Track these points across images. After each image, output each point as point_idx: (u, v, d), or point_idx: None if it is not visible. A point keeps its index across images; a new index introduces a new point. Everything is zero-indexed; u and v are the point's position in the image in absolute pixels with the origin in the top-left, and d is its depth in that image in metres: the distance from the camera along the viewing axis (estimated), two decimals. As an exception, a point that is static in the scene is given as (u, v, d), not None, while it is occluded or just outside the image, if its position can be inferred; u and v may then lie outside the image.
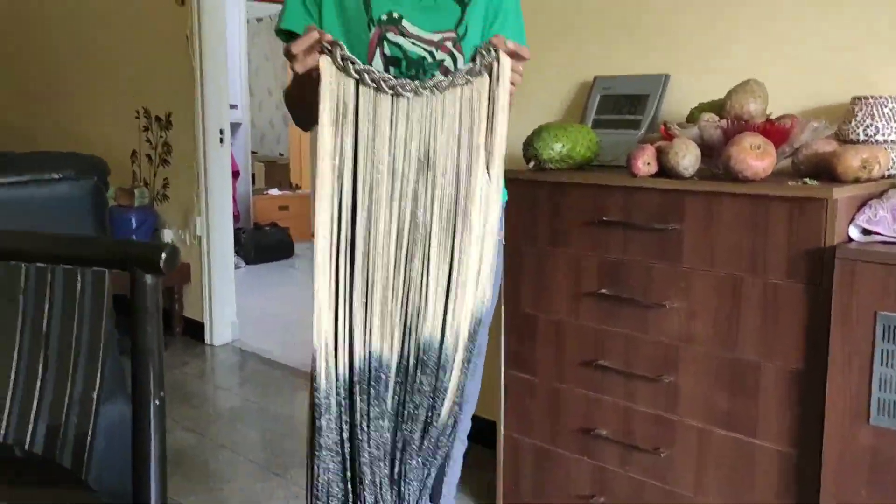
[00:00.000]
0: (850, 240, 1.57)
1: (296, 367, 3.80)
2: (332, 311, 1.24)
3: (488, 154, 1.27)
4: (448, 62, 1.58)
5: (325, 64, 1.18)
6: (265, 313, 4.81)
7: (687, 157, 1.73)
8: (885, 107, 1.73)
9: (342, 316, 1.25)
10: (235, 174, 6.72)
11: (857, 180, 1.63)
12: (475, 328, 1.31)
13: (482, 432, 2.07)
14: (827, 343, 1.54)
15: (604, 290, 1.88)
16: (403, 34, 1.54)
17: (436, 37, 1.57)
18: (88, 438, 1.08)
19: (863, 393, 1.50)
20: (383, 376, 1.28)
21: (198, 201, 4.11)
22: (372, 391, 1.28)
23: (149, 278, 0.98)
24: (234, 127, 6.89)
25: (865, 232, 1.57)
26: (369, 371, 1.27)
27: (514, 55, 1.27)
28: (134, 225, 4.22)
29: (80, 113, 4.93)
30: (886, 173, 1.70)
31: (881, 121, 1.72)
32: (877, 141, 1.73)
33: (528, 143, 1.98)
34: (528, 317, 2.04)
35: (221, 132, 4.07)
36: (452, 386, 1.31)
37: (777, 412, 1.64)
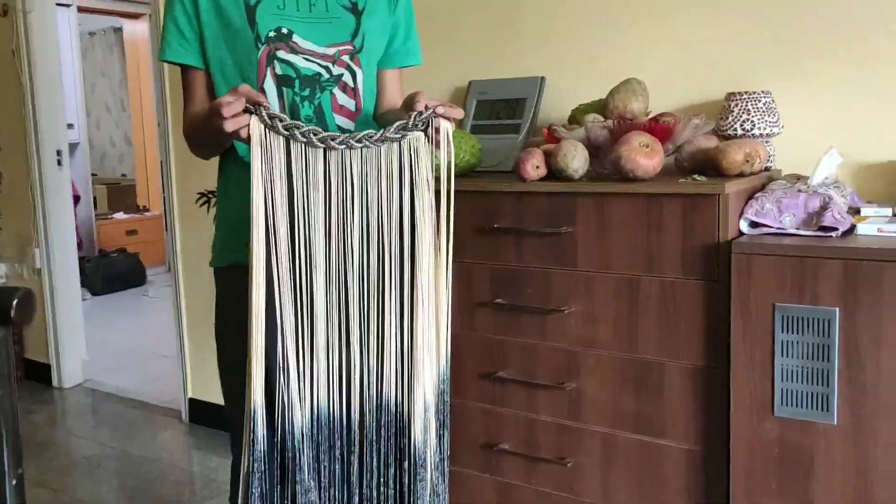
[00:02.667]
0: (741, 233, 1.58)
1: (156, 403, 3.52)
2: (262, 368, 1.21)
3: (437, 217, 1.29)
4: (347, 77, 1.47)
5: (255, 124, 1.18)
6: (118, 348, 4.44)
7: (576, 159, 1.69)
8: (760, 101, 1.76)
9: (284, 372, 1.22)
10: (76, 199, 6.21)
11: (741, 174, 1.64)
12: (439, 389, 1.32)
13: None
14: (728, 338, 1.54)
15: (499, 300, 1.81)
16: (295, 51, 1.42)
17: (331, 51, 1.45)
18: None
19: (766, 385, 1.50)
20: (335, 435, 1.25)
21: (35, 231, 3.73)
22: (321, 454, 1.24)
23: (-3, 329, 0.80)
24: (72, 147, 6.37)
25: (753, 225, 1.59)
26: (315, 428, 1.24)
27: (447, 117, 1.28)
28: (-40, 261, 3.77)
29: None
30: (765, 166, 1.73)
31: (756, 115, 1.76)
32: (753, 135, 1.76)
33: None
34: (458, 336, 1.94)
35: (59, 153, 3.71)
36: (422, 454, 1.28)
37: (682, 411, 1.63)
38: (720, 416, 1.57)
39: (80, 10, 6.22)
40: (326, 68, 1.45)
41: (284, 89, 1.41)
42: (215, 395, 3.16)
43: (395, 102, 1.57)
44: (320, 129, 1.22)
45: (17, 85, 3.60)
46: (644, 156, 1.60)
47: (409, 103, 1.32)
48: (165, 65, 3.07)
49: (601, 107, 1.87)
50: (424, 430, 1.29)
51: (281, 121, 1.19)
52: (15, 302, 0.78)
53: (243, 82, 1.38)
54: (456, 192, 1.84)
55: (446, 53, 2.38)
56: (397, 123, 1.26)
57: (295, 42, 1.42)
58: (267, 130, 1.18)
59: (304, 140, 1.21)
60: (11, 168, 3.77)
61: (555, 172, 1.72)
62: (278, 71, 1.41)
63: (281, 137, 1.20)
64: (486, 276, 1.84)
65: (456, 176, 1.90)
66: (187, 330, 3.25)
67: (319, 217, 1.23)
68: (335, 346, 1.25)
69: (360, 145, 1.25)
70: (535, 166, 1.74)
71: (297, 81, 1.41)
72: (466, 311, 1.87)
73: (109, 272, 6.00)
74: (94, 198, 6.84)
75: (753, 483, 1.54)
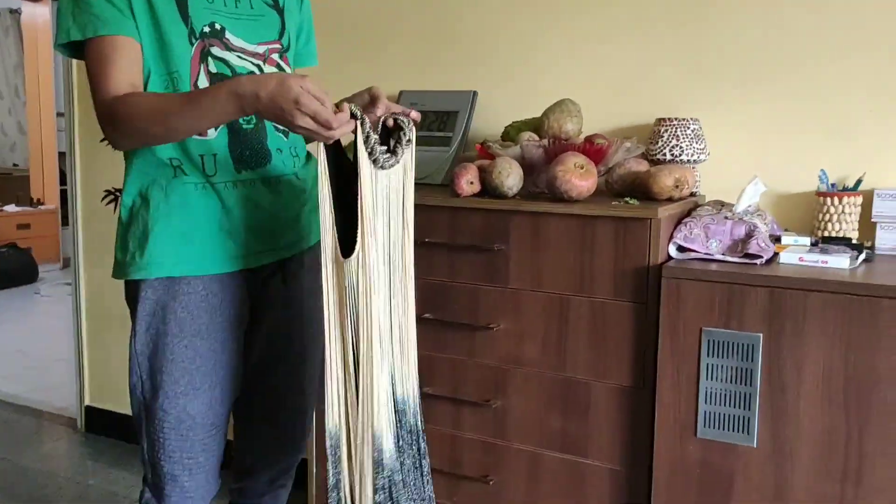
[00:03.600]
0: (669, 257, 1.61)
1: (49, 411, 3.31)
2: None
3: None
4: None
5: (360, 132, 1.18)
6: (7, 350, 4.17)
7: (511, 177, 1.68)
8: (688, 128, 1.80)
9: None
10: (-38, 189, 5.83)
11: (670, 199, 1.68)
12: None
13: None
14: (655, 359, 1.56)
15: (427, 315, 1.79)
16: (229, 48, 1.35)
17: (261, 48, 1.39)
18: None
19: (690, 407, 1.53)
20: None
21: (-82, 223, 3.45)
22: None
23: None
24: (-41, 134, 5.98)
25: (681, 249, 1.62)
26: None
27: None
28: None
29: None
30: (691, 192, 1.77)
31: (685, 141, 1.80)
32: (682, 161, 1.80)
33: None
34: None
35: (-51, 141, 3.45)
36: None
37: (608, 431, 1.64)
38: (644, 436, 1.60)
39: (-26, -12, 5.86)
40: (258, 66, 1.39)
41: None
42: (114, 403, 3.00)
43: None
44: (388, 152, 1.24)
45: None
46: (579, 177, 1.61)
47: (372, 100, 1.31)
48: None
49: (535, 125, 1.88)
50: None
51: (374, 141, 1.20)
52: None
53: (170, 77, 1.30)
54: (387, 204, 1.82)
55: (378, 62, 2.34)
56: (404, 144, 1.26)
57: (228, 39, 1.35)
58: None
59: (379, 164, 1.21)
60: None
61: (489, 189, 1.71)
62: (212, 69, 1.33)
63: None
64: (416, 289, 1.80)
65: (386, 187, 1.88)
66: (86, 333, 3.07)
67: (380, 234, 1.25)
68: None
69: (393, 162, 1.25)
70: (469, 181, 1.72)
71: None
72: (394, 325, 1.83)
73: (-3, 268, 5.66)
74: (-17, 188, 6.44)
75: (674, 503, 1.56)
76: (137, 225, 1.35)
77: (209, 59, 1.33)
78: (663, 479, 1.57)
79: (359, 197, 1.18)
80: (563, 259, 1.65)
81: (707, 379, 1.51)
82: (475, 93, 2.13)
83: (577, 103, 1.85)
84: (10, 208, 6.41)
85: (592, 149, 1.71)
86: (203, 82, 1.32)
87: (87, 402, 3.10)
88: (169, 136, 1.25)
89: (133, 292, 1.38)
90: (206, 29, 1.33)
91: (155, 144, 1.30)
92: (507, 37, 2.14)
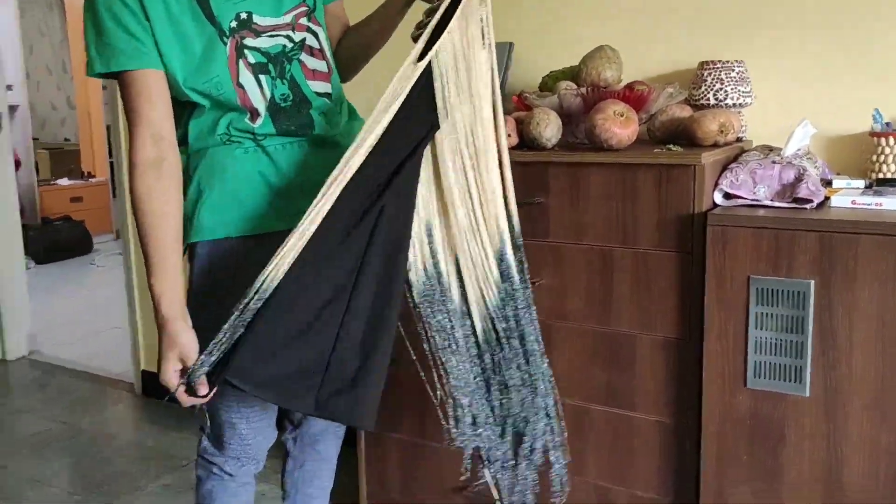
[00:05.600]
0: (715, 205, 1.56)
1: (107, 376, 3.41)
2: None
3: None
4: (310, 39, 1.39)
5: None
6: (65, 319, 4.29)
7: (549, 128, 1.65)
8: (733, 71, 1.74)
9: None
10: (16, 164, 5.97)
11: (715, 145, 1.62)
12: None
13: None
14: (701, 310, 1.52)
15: (468, 272, 1.77)
16: (258, 32, 1.33)
17: (287, 18, 1.37)
18: None
19: (739, 357, 1.49)
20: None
21: (-26, 198, 3.55)
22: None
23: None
24: (11, 110, 6.10)
25: (727, 196, 1.57)
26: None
27: None
28: None
29: None
30: (737, 137, 1.71)
31: (729, 85, 1.73)
32: (726, 105, 1.74)
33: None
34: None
35: (-1, 116, 3.53)
36: None
37: (655, 383, 1.62)
38: (692, 388, 1.57)
39: (18, -35, 5.93)
40: (288, 37, 1.37)
41: (261, 77, 1.33)
42: (169, 368, 3.07)
43: (349, 25, 1.55)
44: None
45: (-48, 43, 3.40)
46: (619, 125, 1.57)
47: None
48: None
49: (573, 74, 1.83)
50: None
51: None
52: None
53: (208, 85, 1.29)
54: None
55: (410, 19, 2.29)
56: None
57: (256, 24, 1.33)
58: None
59: None
60: (-53, 131, 3.58)
61: (527, 141, 1.68)
62: (251, 60, 1.32)
63: None
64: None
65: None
66: (139, 300, 3.14)
67: None
68: None
69: None
70: (506, 134, 1.69)
71: (269, 65, 1.33)
72: (435, 282, 1.82)
73: (53, 240, 5.81)
74: (36, 163, 6.58)
75: (724, 455, 1.54)
76: (191, 191, 1.38)
77: (245, 51, 1.32)
78: (713, 431, 1.54)
79: None
80: (604, 210, 1.61)
81: (756, 328, 1.47)
82: (511, 44, 2.08)
83: (615, 49, 1.80)
84: (63, 182, 6.55)
85: (633, 95, 1.66)
86: (246, 76, 1.31)
87: (143, 366, 3.18)
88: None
89: (190, 253, 1.40)
90: (234, 24, 1.31)
91: None
92: (542, -15, 2.09)
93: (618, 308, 1.64)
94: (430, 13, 1.31)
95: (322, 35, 1.43)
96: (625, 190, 1.59)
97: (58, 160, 6.82)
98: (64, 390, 3.32)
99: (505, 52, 2.08)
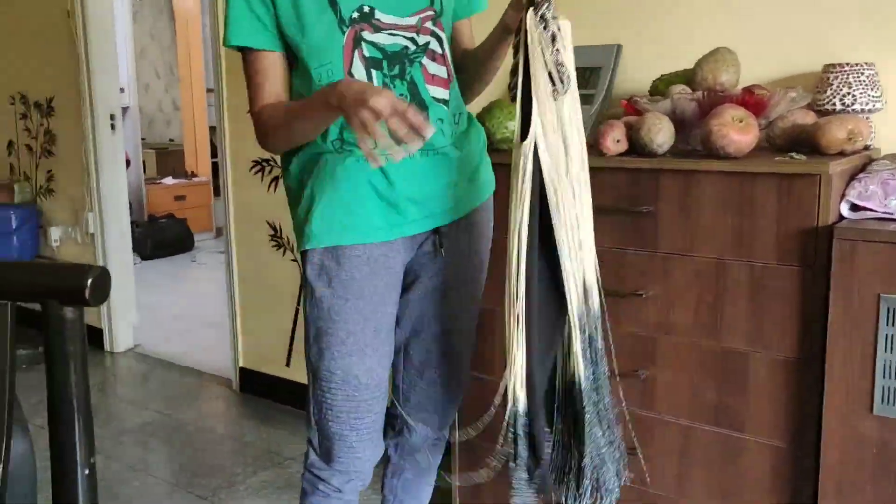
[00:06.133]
0: (842, 217, 1.47)
1: (208, 371, 3.51)
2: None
3: None
4: (433, 44, 1.38)
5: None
6: (168, 314, 4.45)
7: (661, 134, 1.58)
8: (862, 74, 1.63)
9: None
10: (126, 163, 6.24)
11: (841, 153, 1.52)
12: None
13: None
14: (824, 329, 1.43)
15: (571, 281, 1.72)
16: (379, 28, 1.33)
17: (412, 20, 1.36)
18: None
19: (865, 381, 1.39)
20: None
21: (88, 195, 3.72)
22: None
23: (69, 312, 0.74)
24: (122, 111, 6.39)
25: (854, 208, 1.47)
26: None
27: None
28: (14, 224, 3.79)
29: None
30: (865, 145, 1.61)
31: (858, 89, 1.62)
32: (854, 110, 1.63)
33: (480, 122, 1.79)
34: (486, 311, 1.86)
35: (112, 118, 3.69)
36: None
37: (768, 404, 1.53)
38: (811, 412, 1.47)
39: (132, -28, 6.20)
40: (412, 39, 1.36)
41: (373, 71, 1.32)
42: (266, 366, 3.14)
43: (472, 47, 1.51)
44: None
45: (72, 47, 3.57)
46: (737, 131, 1.49)
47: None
48: (220, 29, 3.00)
49: (687, 78, 1.75)
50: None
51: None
52: (90, 281, 0.71)
53: (321, 69, 1.31)
54: (529, 166, 1.76)
55: (514, 19, 2.26)
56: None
57: (377, 19, 1.33)
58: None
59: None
60: (65, 132, 3.76)
61: (637, 147, 1.62)
62: (366, 54, 1.32)
63: None
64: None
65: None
66: (239, 298, 3.22)
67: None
68: None
69: None
70: (615, 140, 1.64)
71: (384, 62, 1.33)
72: (536, 291, 1.78)
73: (158, 237, 6.04)
74: (144, 162, 6.87)
75: (845, 485, 1.44)
76: (304, 198, 1.40)
77: (362, 43, 1.31)
78: (834, 459, 1.44)
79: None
80: (718, 220, 1.54)
81: (886, 351, 1.37)
82: (619, 46, 2.02)
83: (733, 52, 1.71)
84: (168, 181, 6.81)
85: (752, 100, 1.57)
86: (358, 68, 1.32)
87: (241, 363, 3.26)
88: (297, 141, 1.35)
89: (303, 261, 1.42)
90: (355, 14, 1.31)
91: (293, 147, 1.38)
92: (653, -15, 2.01)
93: (730, 323, 1.55)
94: (515, 51, 1.26)
95: (446, 41, 1.41)
96: (742, 200, 1.51)
97: (163, 160, 7.10)
98: (165, 383, 3.43)
99: (612, 54, 2.02)
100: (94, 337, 3.85)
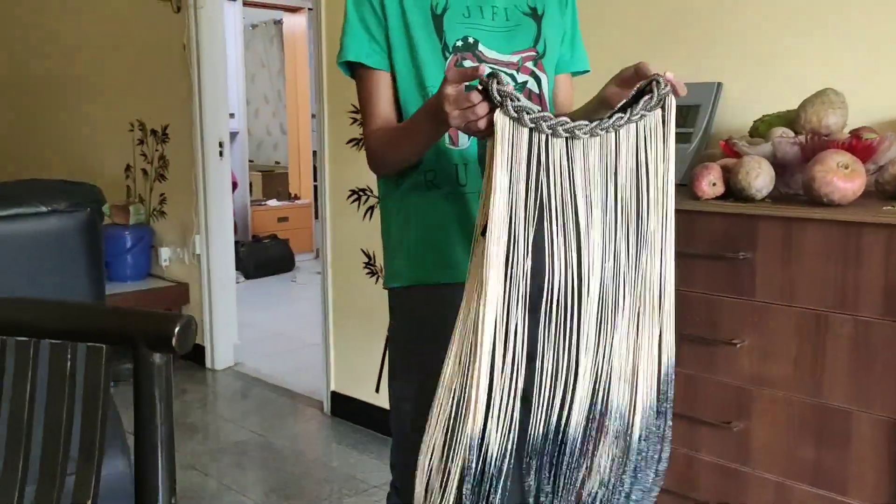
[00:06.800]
0: (957, 271, 1.37)
1: (302, 392, 3.59)
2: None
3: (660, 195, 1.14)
4: (531, 84, 1.40)
5: (499, 117, 1.04)
6: (268, 332, 4.59)
7: (760, 178, 1.53)
8: (984, 118, 1.53)
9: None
10: (233, 185, 6.50)
11: (959, 202, 1.43)
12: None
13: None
14: (935, 391, 1.34)
15: (662, 326, 1.68)
16: (480, 59, 1.35)
17: (514, 58, 1.39)
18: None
19: (982, 451, 1.29)
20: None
21: (196, 218, 3.90)
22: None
23: (157, 357, 0.77)
24: (231, 136, 6.67)
25: (972, 262, 1.37)
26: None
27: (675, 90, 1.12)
28: (129, 244, 4.01)
29: (72, 126, 4.72)
30: None
31: (979, 133, 1.52)
32: (974, 156, 1.53)
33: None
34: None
35: (221, 145, 3.86)
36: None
37: (873, 466, 1.44)
38: (920, 478, 1.38)
39: (245, 3, 6.49)
40: (511, 77, 1.37)
41: None
42: (357, 391, 3.19)
43: (569, 105, 1.51)
44: (567, 120, 1.06)
45: (186, 78, 3.77)
46: (843, 178, 1.42)
47: (628, 78, 1.22)
48: (324, 57, 3.10)
49: (789, 119, 1.69)
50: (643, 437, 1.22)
51: (528, 113, 1.04)
52: (177, 330, 0.74)
53: (424, 94, 1.33)
54: (620, 207, 1.73)
55: (612, 56, 2.24)
56: (641, 102, 1.09)
57: (480, 51, 1.36)
58: (512, 123, 1.04)
59: (549, 132, 1.06)
60: (179, 157, 3.96)
61: (734, 191, 1.57)
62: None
63: (525, 129, 1.05)
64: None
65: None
66: (333, 323, 3.29)
67: (569, 214, 1.09)
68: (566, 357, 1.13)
69: (603, 132, 1.09)
70: (711, 183, 1.59)
71: None
72: (625, 334, 1.74)
73: (261, 257, 6.25)
74: (250, 184, 7.15)
75: (958, 560, 1.33)
76: (393, 236, 1.43)
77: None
78: (944, 531, 1.34)
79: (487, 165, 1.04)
80: (821, 271, 1.47)
81: None
82: (720, 84, 1.97)
83: (840, 93, 1.64)
84: (272, 202, 7.06)
85: (860, 145, 1.50)
86: None
87: (332, 387, 3.32)
88: (405, 160, 1.35)
89: (391, 298, 1.44)
90: (459, 43, 1.35)
91: (401, 167, 1.38)
92: (752, 18, 1.95)
93: (831, 379, 1.47)
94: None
95: (545, 83, 1.43)
96: (847, 250, 1.43)
97: (268, 182, 7.37)
98: (261, 403, 3.54)
99: (712, 92, 1.97)
100: (197, 355, 4.01)
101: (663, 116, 1.12)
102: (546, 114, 1.05)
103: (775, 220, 1.51)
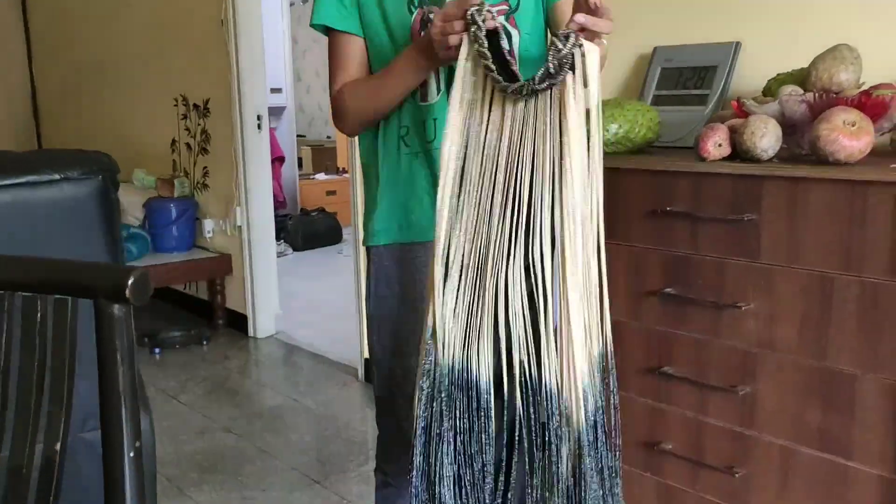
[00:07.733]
0: (968, 231, 1.32)
1: (341, 361, 3.66)
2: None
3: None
4: (503, 41, 1.38)
5: (465, 43, 1.12)
6: (311, 303, 4.68)
7: (766, 138, 1.49)
8: None
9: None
10: (281, 159, 6.61)
11: (973, 159, 1.37)
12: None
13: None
14: (940, 354, 1.30)
15: (669, 289, 1.66)
16: None
17: None
18: (55, 479, 0.92)
19: None
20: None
21: (237, 190, 3.98)
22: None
23: (116, 309, 0.81)
24: (278, 111, 6.76)
25: None
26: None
27: (584, 30, 1.06)
28: (174, 216, 4.12)
29: (120, 102, 4.85)
30: None
31: None
32: None
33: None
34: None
35: (259, 118, 3.92)
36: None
37: (879, 431, 1.41)
38: (925, 443, 1.34)
39: (294, -21, 6.55)
40: None
41: None
42: (389, 359, 3.23)
43: None
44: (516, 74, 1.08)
45: (225, 54, 3.83)
46: (848, 136, 1.38)
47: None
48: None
49: (802, 77, 1.64)
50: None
51: (484, 58, 1.09)
52: (131, 282, 0.78)
53: (393, 50, 1.34)
54: (627, 170, 1.71)
55: (626, 16, 2.20)
56: (538, 73, 1.05)
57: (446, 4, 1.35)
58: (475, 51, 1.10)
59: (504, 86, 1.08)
60: (220, 131, 4.05)
61: (739, 152, 1.53)
62: None
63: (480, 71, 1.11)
64: (655, 263, 1.69)
65: (632, 151, 1.77)
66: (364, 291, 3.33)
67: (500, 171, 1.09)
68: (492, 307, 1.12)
69: (526, 95, 1.08)
70: (717, 144, 1.56)
71: None
72: (632, 299, 1.73)
73: (309, 230, 6.35)
74: (300, 158, 7.25)
75: (963, 527, 1.30)
76: (369, 195, 1.46)
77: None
78: (948, 497, 1.31)
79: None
80: (826, 231, 1.43)
81: None
82: (738, 44, 1.92)
83: (854, 49, 1.58)
84: (321, 176, 7.16)
85: (869, 102, 1.45)
86: None
87: (366, 354, 3.38)
88: (377, 110, 1.36)
89: (367, 256, 1.46)
90: None
91: (375, 122, 1.40)
92: (778, -23, 1.89)
93: (837, 342, 1.44)
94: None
95: (516, 39, 1.40)
96: (853, 210, 1.39)
97: (318, 156, 7.46)
98: (299, 370, 3.62)
99: (730, 52, 1.92)
100: (240, 323, 4.12)
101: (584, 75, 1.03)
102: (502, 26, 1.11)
103: (780, 180, 1.47)
